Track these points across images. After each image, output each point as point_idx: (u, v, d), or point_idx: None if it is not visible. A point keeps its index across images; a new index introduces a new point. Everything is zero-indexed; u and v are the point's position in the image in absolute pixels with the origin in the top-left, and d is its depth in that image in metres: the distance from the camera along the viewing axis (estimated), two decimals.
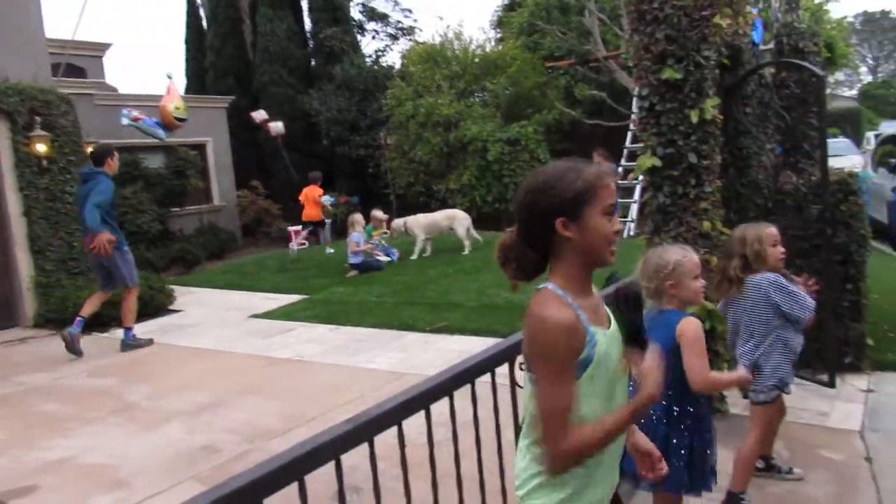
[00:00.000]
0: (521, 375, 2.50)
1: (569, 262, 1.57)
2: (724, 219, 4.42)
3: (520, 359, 2.47)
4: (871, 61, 61.20)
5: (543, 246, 1.58)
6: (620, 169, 12.00)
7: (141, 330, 7.25)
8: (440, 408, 2.12)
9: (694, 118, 4.13)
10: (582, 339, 1.51)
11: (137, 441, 4.48)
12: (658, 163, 4.25)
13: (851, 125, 25.85)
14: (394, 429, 1.94)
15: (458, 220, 11.69)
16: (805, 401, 4.10)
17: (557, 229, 1.53)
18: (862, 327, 4.63)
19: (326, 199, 16.38)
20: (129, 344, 6.91)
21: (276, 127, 15.15)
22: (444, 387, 2.14)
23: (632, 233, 11.22)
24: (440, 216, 11.84)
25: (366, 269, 10.51)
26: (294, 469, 1.62)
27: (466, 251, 11.46)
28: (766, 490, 3.22)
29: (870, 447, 3.59)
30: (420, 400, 2.04)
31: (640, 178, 10.08)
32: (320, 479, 1.72)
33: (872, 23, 59.94)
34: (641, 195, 10.65)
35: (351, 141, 17.30)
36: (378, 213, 12.40)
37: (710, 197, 4.22)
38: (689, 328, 2.43)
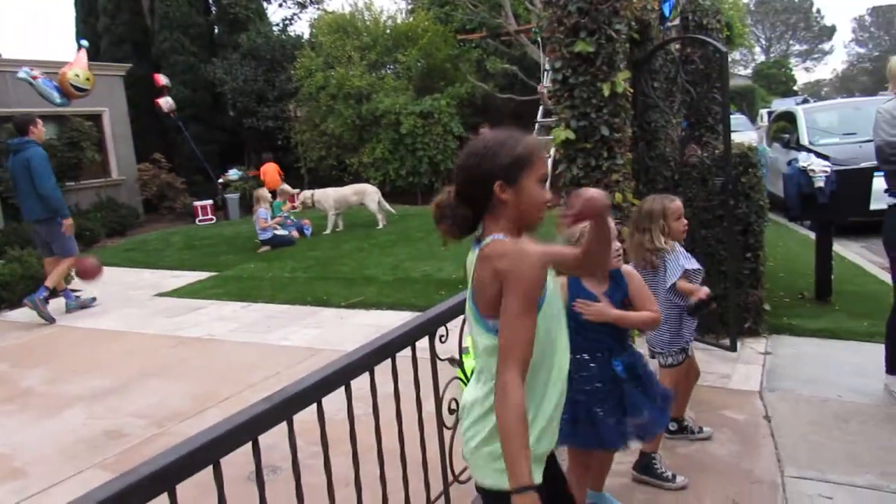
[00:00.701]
0: (441, 348, 2.50)
1: (504, 220, 1.66)
2: (633, 191, 4.55)
3: (441, 330, 2.48)
4: (764, 42, 64.51)
5: (479, 206, 1.67)
6: None
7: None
8: (358, 383, 2.07)
9: (606, 91, 4.21)
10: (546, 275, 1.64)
11: (34, 428, 4.21)
12: (572, 136, 4.31)
13: (747, 102, 27.18)
14: (311, 406, 1.87)
15: (367, 194, 11.55)
16: (709, 364, 4.29)
17: (495, 192, 1.62)
18: (760, 294, 4.88)
19: (233, 174, 15.83)
20: (72, 305, 7.17)
21: (167, 103, 14.32)
22: (365, 362, 2.09)
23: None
24: (349, 191, 11.67)
25: (277, 245, 10.25)
26: (209, 452, 1.54)
27: (380, 225, 11.37)
28: (675, 451, 3.35)
29: (768, 406, 3.81)
30: (340, 376, 1.99)
31: (553, 151, 10.28)
32: (235, 461, 1.65)
33: (765, 4, 63.12)
34: (554, 168, 10.84)
35: (259, 112, 16.72)
36: (286, 188, 12.10)
37: (621, 169, 4.33)
38: (635, 271, 2.69)
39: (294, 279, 8.05)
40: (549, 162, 8.36)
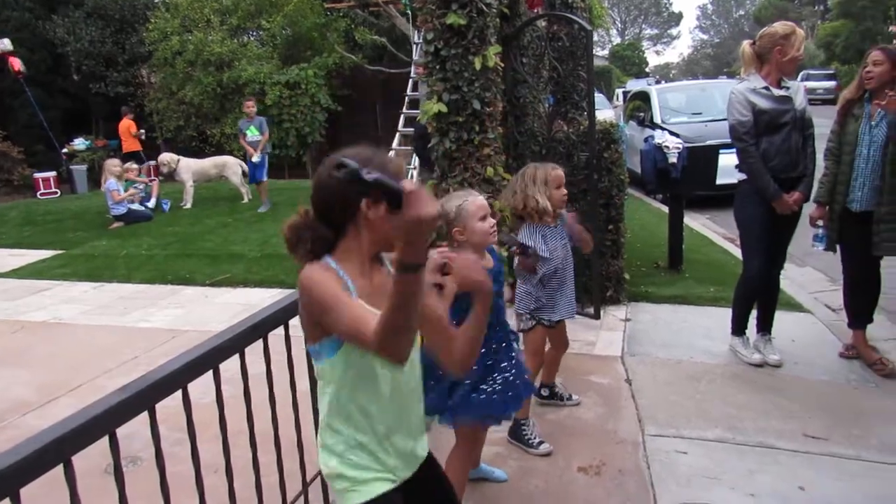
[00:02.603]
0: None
1: (359, 242, 1.57)
2: (504, 165, 4.61)
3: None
4: (619, 25, 67.82)
5: (339, 225, 1.56)
6: (402, 117, 12.07)
7: None
8: (226, 364, 1.95)
9: (477, 65, 4.21)
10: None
11: None
12: (444, 109, 4.28)
13: (604, 82, 28.52)
14: (174, 392, 1.74)
15: (229, 166, 11.04)
16: (575, 332, 4.46)
17: (362, 209, 1.51)
18: (621, 264, 5.15)
19: (80, 144, 14.60)
20: None
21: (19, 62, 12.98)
22: (235, 343, 1.97)
23: (414, 180, 11.42)
24: (209, 163, 11.12)
25: (132, 220, 9.58)
26: (60, 450, 1.38)
27: (245, 199, 10.93)
28: (545, 417, 3.48)
29: (629, 370, 4.03)
30: (207, 359, 1.86)
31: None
32: (89, 453, 1.49)
33: None
34: (427, 141, 10.84)
35: (107, 77, 15.44)
36: (130, 165, 11.22)
37: (492, 143, 4.36)
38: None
39: (152, 257, 7.56)
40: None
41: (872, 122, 3.73)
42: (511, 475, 2.96)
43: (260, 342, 2.12)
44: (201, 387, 1.89)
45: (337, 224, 1.56)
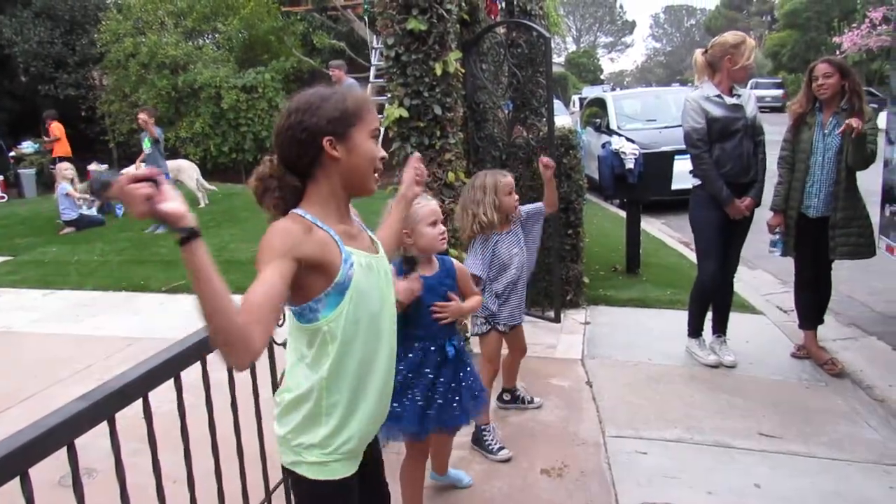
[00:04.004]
0: (278, 332, 2.38)
1: (330, 187, 1.52)
2: (464, 170, 4.64)
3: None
4: (575, 32, 68.79)
5: (305, 171, 1.51)
6: None
7: None
8: (186, 372, 1.91)
9: (438, 70, 4.22)
10: (331, 252, 1.47)
11: None
12: (405, 113, 4.28)
13: (561, 88, 28.88)
14: (135, 401, 1.70)
15: (184, 171, 10.82)
16: (537, 336, 4.52)
17: (325, 149, 1.47)
18: (580, 268, 5.22)
19: (28, 147, 14.18)
20: None
21: None
22: (197, 350, 1.94)
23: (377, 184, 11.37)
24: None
25: (85, 226, 9.33)
26: (15, 462, 1.34)
27: (202, 204, 10.74)
28: (508, 420, 3.50)
29: (589, 372, 4.09)
30: (169, 367, 1.82)
31: (382, 130, 10.25)
32: (42, 465, 1.44)
33: None
34: (384, 148, 10.81)
35: (57, 79, 15.02)
36: (95, 167, 10.98)
37: (453, 148, 4.38)
38: (461, 265, 2.62)
39: (105, 263, 7.37)
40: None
41: (825, 131, 3.85)
42: (475, 479, 2.97)
43: None
44: (163, 394, 1.85)
45: (303, 171, 1.51)
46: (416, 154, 2.66)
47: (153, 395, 1.79)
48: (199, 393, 2.03)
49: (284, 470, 1.66)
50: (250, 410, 2.28)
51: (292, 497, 1.71)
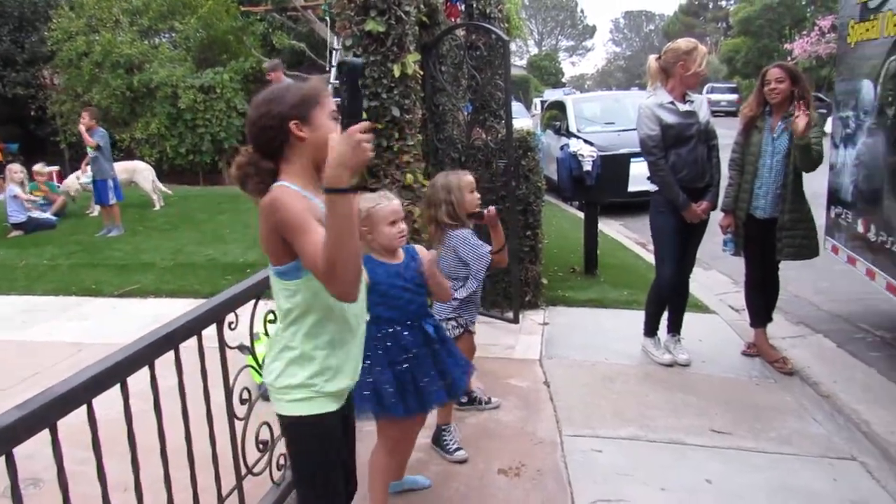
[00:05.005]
0: (230, 336, 2.36)
1: (301, 163, 1.75)
2: (423, 172, 4.64)
3: (230, 317, 2.34)
4: (536, 36, 69.39)
5: (277, 154, 1.74)
6: None
7: None
8: (136, 378, 1.87)
9: (397, 72, 4.22)
10: (318, 211, 1.63)
11: None
12: (363, 115, 4.27)
13: (522, 91, 29.11)
14: (79, 407, 1.66)
15: (139, 172, 10.60)
16: (495, 337, 4.54)
17: (292, 131, 1.71)
18: (539, 269, 5.26)
19: None
20: None
21: None
22: (144, 355, 1.90)
23: None
24: (117, 168, 10.64)
25: (34, 229, 9.07)
26: None
27: (157, 206, 10.54)
28: (466, 421, 3.51)
29: (547, 372, 4.12)
30: (114, 372, 1.78)
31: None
32: None
33: (538, 1, 67.84)
34: None
35: (4, 78, 14.59)
36: (41, 168, 10.63)
37: (412, 150, 4.38)
38: (426, 251, 2.61)
39: (55, 267, 7.17)
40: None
41: (774, 135, 3.96)
42: (433, 480, 2.97)
43: (171, 354, 2.05)
44: (110, 401, 1.81)
45: (275, 153, 1.74)
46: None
47: (104, 402, 1.75)
48: (149, 398, 1.99)
49: (281, 421, 1.91)
50: (202, 417, 2.24)
51: (283, 436, 1.96)
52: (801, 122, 3.70)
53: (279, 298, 1.81)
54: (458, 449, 3.15)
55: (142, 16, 15.07)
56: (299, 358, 1.80)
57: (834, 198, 4.77)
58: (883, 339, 4.62)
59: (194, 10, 15.18)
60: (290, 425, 1.87)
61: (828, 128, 4.58)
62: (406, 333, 2.51)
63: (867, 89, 4.22)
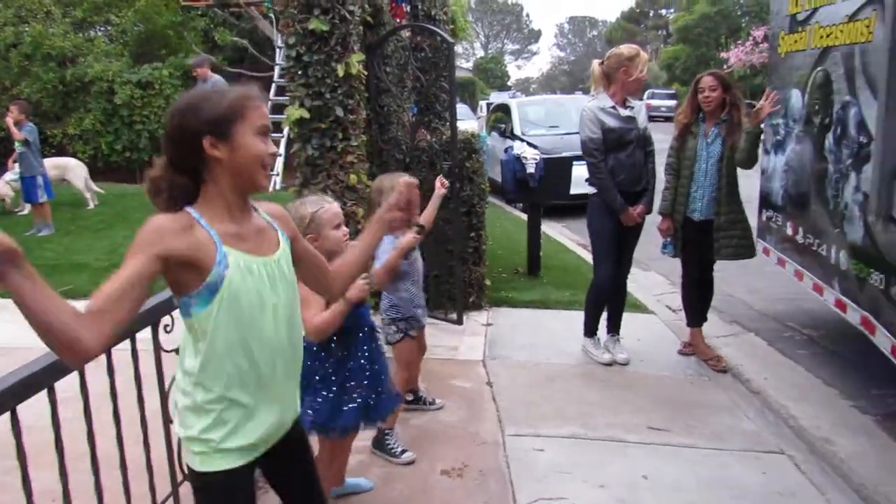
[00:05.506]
0: (166, 339, 2.30)
1: (217, 186, 1.52)
2: (367, 172, 4.62)
3: (166, 319, 2.28)
4: (483, 39, 69.87)
5: (194, 171, 1.52)
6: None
7: None
8: (64, 384, 1.80)
9: (341, 72, 4.20)
10: (205, 251, 1.46)
11: None
12: (306, 115, 4.23)
13: (468, 93, 29.26)
14: (2, 415, 1.60)
15: (71, 169, 10.18)
16: (439, 338, 4.55)
17: (206, 149, 1.47)
18: (482, 270, 5.30)
19: None
20: None
21: None
22: None
23: (278, 186, 11.14)
24: (47, 164, 10.23)
25: None
26: None
27: (90, 205, 10.17)
28: (410, 423, 3.50)
29: (490, 373, 4.16)
30: (40, 378, 1.72)
31: (286, 131, 10.05)
32: None
33: (484, 4, 68.37)
34: (288, 148, 10.61)
35: None
36: None
37: (356, 151, 4.36)
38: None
39: None
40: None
41: (708, 140, 4.09)
42: (375, 482, 2.96)
43: (103, 357, 1.98)
44: (37, 407, 1.74)
45: (191, 171, 1.52)
46: (412, 180, 2.88)
47: (31, 410, 1.69)
48: (79, 404, 1.93)
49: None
50: (136, 423, 2.18)
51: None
52: (765, 109, 3.88)
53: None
54: (404, 451, 3.14)
55: (75, 7, 14.54)
56: (193, 407, 1.58)
57: (765, 202, 4.95)
58: (810, 338, 4.83)
59: (131, 4, 14.72)
60: (190, 476, 1.66)
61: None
62: (350, 343, 2.51)
63: (796, 98, 4.40)
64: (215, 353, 1.53)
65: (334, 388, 2.47)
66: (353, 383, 2.50)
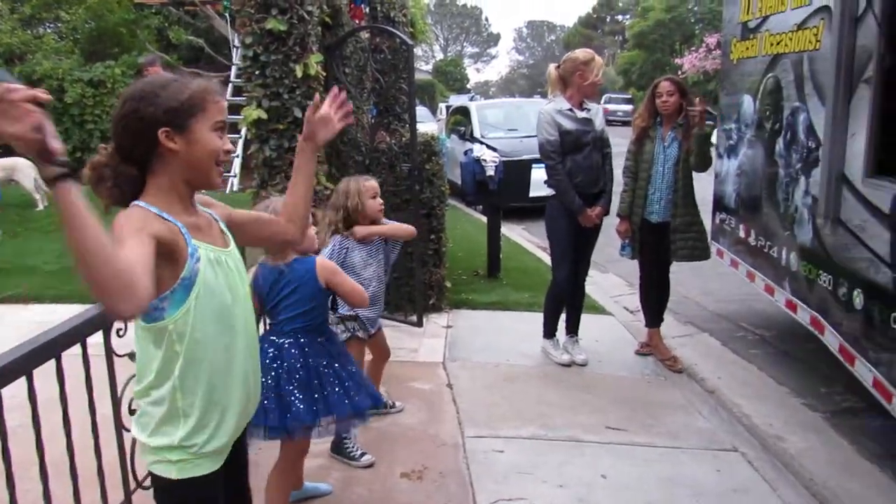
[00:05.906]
0: (119, 343, 2.24)
1: (169, 179, 1.47)
2: (326, 174, 4.59)
3: (119, 323, 2.22)
4: (442, 41, 70.06)
5: (143, 161, 1.46)
6: None
7: None
8: (11, 390, 1.75)
9: (299, 73, 4.16)
10: (181, 240, 1.42)
11: None
12: (264, 115, 4.19)
13: (428, 96, 29.26)
14: None
15: (20, 170, 9.84)
16: (399, 340, 4.53)
17: (160, 141, 1.42)
18: (442, 272, 5.30)
19: None
20: None
21: None
22: (20, 365, 1.77)
23: (235, 188, 10.98)
24: None
25: None
26: None
27: (40, 206, 9.86)
28: (369, 426, 3.45)
29: (450, 375, 4.16)
30: None
31: (244, 131, 9.90)
32: None
33: (444, 7, 68.62)
34: (245, 149, 10.46)
35: None
36: None
37: None
38: (327, 263, 2.58)
39: None
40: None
41: (665, 143, 4.17)
42: (335, 486, 2.93)
43: (52, 363, 1.92)
44: None
45: (141, 161, 1.45)
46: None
47: None
48: (27, 411, 1.86)
49: (150, 474, 1.61)
50: (87, 430, 2.12)
51: (154, 498, 1.64)
52: (697, 109, 3.99)
53: (138, 340, 1.56)
54: (363, 454, 3.12)
55: (23, 3, 14.13)
56: (171, 414, 1.52)
57: (719, 205, 5.07)
58: (762, 338, 4.95)
59: (82, 1, 14.37)
60: (163, 486, 1.58)
61: (713, 139, 4.88)
62: (304, 341, 2.52)
63: (748, 103, 4.51)
64: (196, 351, 1.48)
65: (293, 387, 2.43)
66: (317, 382, 2.47)
